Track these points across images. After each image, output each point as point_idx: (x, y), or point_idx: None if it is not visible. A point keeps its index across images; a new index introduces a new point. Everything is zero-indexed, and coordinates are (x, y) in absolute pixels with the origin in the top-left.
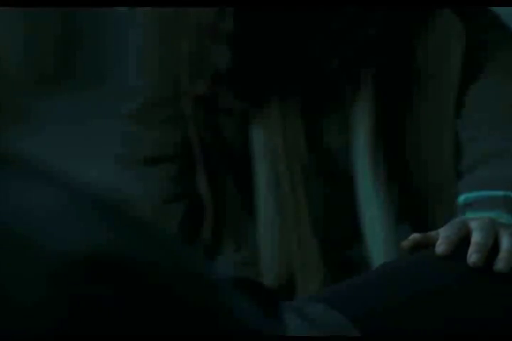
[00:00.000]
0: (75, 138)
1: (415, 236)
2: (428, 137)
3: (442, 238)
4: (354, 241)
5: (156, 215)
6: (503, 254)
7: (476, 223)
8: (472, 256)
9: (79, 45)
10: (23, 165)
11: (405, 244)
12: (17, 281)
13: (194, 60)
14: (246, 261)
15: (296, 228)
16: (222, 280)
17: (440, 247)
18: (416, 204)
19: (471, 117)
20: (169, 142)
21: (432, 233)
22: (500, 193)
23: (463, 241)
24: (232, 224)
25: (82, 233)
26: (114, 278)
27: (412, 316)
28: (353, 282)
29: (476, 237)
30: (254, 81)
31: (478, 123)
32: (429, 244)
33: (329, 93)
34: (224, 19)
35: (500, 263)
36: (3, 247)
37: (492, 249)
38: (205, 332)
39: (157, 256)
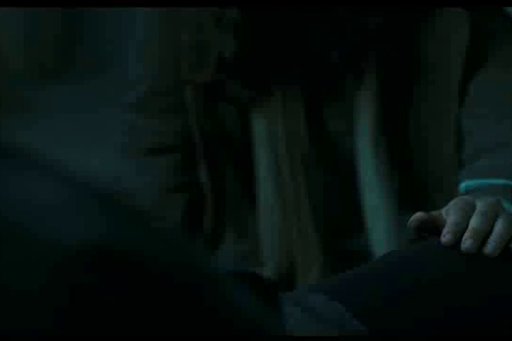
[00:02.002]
0: (75, 127)
1: (421, 214)
2: (429, 126)
3: (449, 226)
4: (355, 230)
5: (157, 205)
6: (492, 237)
7: (481, 205)
8: (466, 242)
9: (78, 35)
10: (22, 156)
11: (413, 223)
12: (17, 271)
13: (196, 49)
14: (247, 250)
15: (297, 217)
16: (222, 272)
17: (446, 236)
18: (417, 193)
19: (474, 108)
20: (170, 131)
21: (437, 212)
22: (501, 181)
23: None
24: (233, 214)
25: (81, 224)
26: (114, 268)
27: (414, 306)
28: (353, 273)
29: (474, 222)
30: (256, 69)
31: (480, 114)
32: (434, 224)
33: (331, 82)
34: (229, 8)
35: (488, 246)
36: (3, 237)
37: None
38: (204, 323)
39: (157, 246)
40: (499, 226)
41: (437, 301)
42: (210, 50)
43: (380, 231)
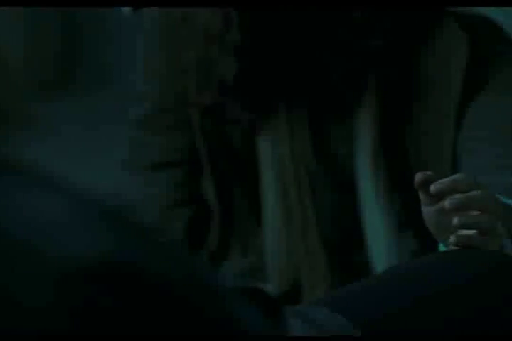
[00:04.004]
0: (80, 143)
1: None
2: (428, 146)
3: (451, 203)
4: (359, 247)
5: (162, 220)
6: (459, 196)
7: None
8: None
9: (80, 50)
10: (28, 172)
11: (418, 181)
12: (24, 286)
13: (200, 71)
14: (252, 267)
15: (303, 235)
16: (228, 288)
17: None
18: (417, 211)
19: (473, 130)
20: (176, 148)
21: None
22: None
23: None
24: (239, 230)
25: (87, 239)
26: (118, 283)
27: (416, 320)
28: (355, 286)
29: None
30: (261, 92)
31: (479, 137)
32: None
33: (334, 102)
34: (230, 30)
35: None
36: (10, 254)
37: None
38: (205, 334)
39: (160, 260)
40: (474, 193)
41: (439, 314)
42: (213, 72)
43: (380, 250)
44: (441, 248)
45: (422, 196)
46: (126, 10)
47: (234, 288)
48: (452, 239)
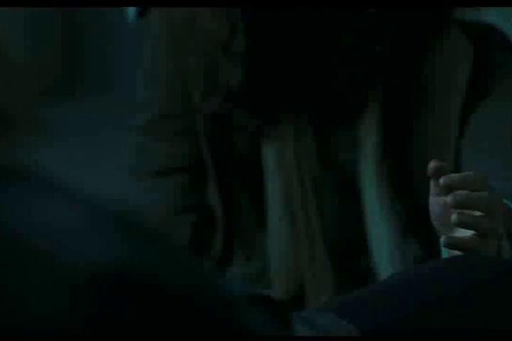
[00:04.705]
0: (84, 149)
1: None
2: (432, 154)
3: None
4: (363, 253)
5: (166, 226)
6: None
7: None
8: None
9: (84, 56)
10: (39, 178)
11: (431, 170)
12: (39, 293)
13: (206, 77)
14: (256, 273)
15: (308, 241)
16: (235, 294)
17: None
18: (421, 218)
19: (474, 140)
20: (181, 154)
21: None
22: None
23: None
24: (244, 236)
25: (100, 246)
26: (132, 291)
27: (422, 326)
28: (362, 292)
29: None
30: (266, 98)
31: (481, 147)
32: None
33: (339, 109)
34: (236, 37)
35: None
36: (25, 260)
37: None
38: None
39: (173, 269)
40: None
41: (445, 321)
42: (218, 78)
43: (384, 256)
44: (445, 254)
45: (432, 185)
46: (131, 16)
47: (243, 296)
48: (443, 239)
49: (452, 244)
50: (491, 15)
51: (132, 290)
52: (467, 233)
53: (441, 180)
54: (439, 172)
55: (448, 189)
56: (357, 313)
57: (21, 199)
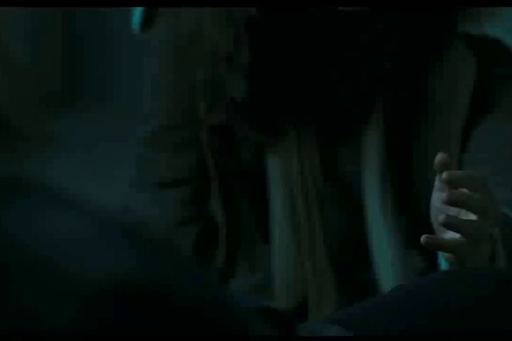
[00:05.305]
0: (85, 161)
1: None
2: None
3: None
4: (367, 265)
5: (169, 238)
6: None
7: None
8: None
9: (83, 67)
10: (46, 190)
11: (437, 163)
12: (50, 305)
13: (210, 89)
14: (260, 284)
15: (311, 252)
16: (244, 306)
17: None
18: (424, 230)
19: (474, 153)
20: (184, 165)
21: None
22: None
23: None
24: (247, 248)
25: (111, 258)
26: (143, 302)
27: (425, 337)
28: (367, 304)
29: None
30: (269, 111)
31: (480, 160)
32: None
33: (342, 122)
34: (240, 49)
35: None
36: (36, 272)
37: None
38: None
39: (183, 280)
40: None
41: (449, 332)
42: (223, 90)
43: (387, 268)
44: (442, 263)
45: (436, 180)
46: (136, 27)
47: (249, 307)
48: (422, 238)
49: (431, 245)
50: (495, 29)
51: (144, 301)
52: (457, 235)
53: (444, 175)
54: (444, 166)
55: (449, 185)
56: (362, 325)
57: (31, 211)
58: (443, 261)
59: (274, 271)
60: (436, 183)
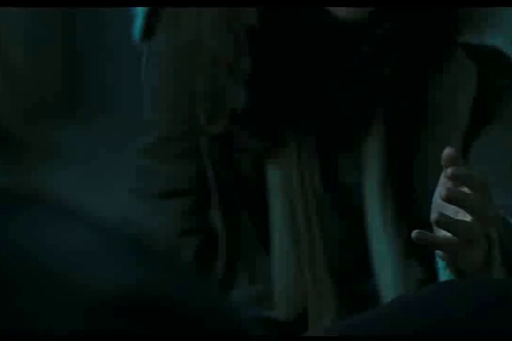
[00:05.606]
0: (86, 172)
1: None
2: (435, 176)
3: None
4: (367, 275)
5: (170, 248)
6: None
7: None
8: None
9: (83, 77)
10: (51, 202)
11: (445, 156)
12: (55, 316)
13: (211, 99)
14: (260, 295)
15: (311, 263)
16: (245, 317)
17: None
18: None
19: (474, 166)
20: (184, 176)
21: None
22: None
23: None
24: (247, 258)
25: (117, 270)
26: (149, 315)
27: None
28: (368, 315)
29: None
30: (270, 121)
31: (479, 171)
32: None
33: (343, 131)
34: (241, 59)
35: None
36: (40, 283)
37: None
38: None
39: (187, 291)
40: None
41: None
42: (223, 101)
43: (388, 277)
44: (441, 272)
45: (442, 174)
46: (137, 37)
47: (250, 318)
48: (413, 233)
49: (421, 240)
50: (496, 39)
51: (147, 312)
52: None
53: (449, 170)
54: (451, 161)
55: (453, 181)
56: (363, 336)
57: (36, 223)
58: (440, 261)
59: (274, 282)
60: (441, 179)
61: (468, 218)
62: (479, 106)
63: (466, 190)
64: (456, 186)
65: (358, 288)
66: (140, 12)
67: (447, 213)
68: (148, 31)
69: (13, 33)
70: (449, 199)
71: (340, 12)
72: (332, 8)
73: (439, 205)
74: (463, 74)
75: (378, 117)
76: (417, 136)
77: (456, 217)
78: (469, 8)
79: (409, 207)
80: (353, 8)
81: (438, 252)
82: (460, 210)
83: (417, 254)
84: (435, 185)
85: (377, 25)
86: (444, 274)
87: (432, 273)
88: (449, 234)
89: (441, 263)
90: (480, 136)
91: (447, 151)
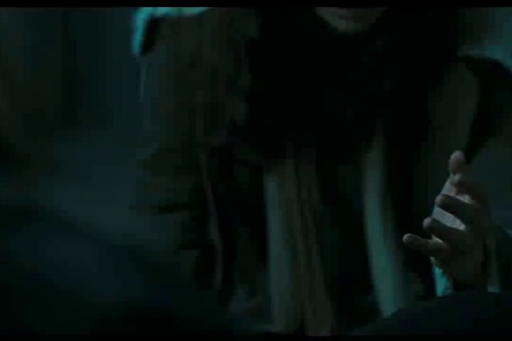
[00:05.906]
0: (86, 184)
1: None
2: (435, 188)
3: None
4: (365, 288)
5: (168, 261)
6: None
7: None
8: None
9: (83, 89)
10: (53, 218)
11: (452, 161)
12: (58, 330)
13: (209, 112)
14: (258, 308)
15: (309, 276)
16: (242, 329)
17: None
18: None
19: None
20: (183, 189)
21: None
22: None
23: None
24: (245, 271)
25: (117, 285)
26: (146, 327)
27: None
28: (368, 329)
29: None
30: (269, 134)
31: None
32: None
33: (343, 143)
34: (241, 71)
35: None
36: (47, 300)
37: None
38: None
39: (187, 304)
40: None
41: None
42: (223, 113)
43: (388, 290)
44: (439, 282)
45: (448, 180)
46: (136, 51)
47: (248, 331)
48: (404, 237)
49: (412, 244)
50: (496, 51)
51: (146, 325)
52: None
53: (457, 177)
54: (458, 166)
55: (458, 188)
56: (364, 335)
57: (39, 239)
58: (436, 269)
59: (272, 294)
60: (447, 184)
61: (463, 228)
62: (479, 119)
63: (466, 198)
64: (458, 193)
65: (355, 300)
66: (140, 26)
67: (444, 221)
68: (148, 43)
69: (14, 46)
70: (444, 205)
71: (341, 24)
72: (332, 20)
73: (437, 212)
74: (463, 86)
75: (378, 129)
76: (417, 147)
77: (452, 226)
78: (469, 20)
79: (409, 219)
80: (353, 21)
81: (431, 259)
82: (457, 220)
83: (416, 267)
84: (435, 197)
85: (377, 37)
86: (440, 282)
87: (432, 285)
88: (441, 241)
89: (437, 271)
90: (480, 149)
91: (455, 155)
